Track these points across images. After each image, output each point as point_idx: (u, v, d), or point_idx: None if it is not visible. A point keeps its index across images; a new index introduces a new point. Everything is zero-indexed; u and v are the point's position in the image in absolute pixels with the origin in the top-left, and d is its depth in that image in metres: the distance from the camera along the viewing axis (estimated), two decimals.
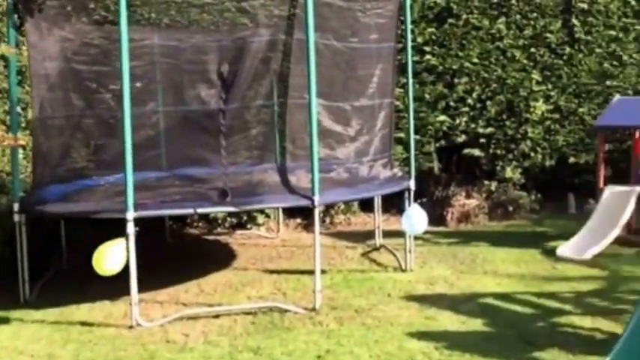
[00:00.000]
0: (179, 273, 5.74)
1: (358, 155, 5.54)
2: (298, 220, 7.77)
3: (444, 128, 8.10)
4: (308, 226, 7.71)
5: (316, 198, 4.81)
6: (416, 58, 7.76)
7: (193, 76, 5.84)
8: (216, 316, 4.71)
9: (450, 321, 4.52)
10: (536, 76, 8.13)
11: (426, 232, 7.13)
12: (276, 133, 5.46)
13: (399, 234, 5.96)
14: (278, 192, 5.03)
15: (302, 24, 4.76)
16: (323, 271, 5.76)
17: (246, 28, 5.61)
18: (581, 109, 8.38)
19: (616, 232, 6.22)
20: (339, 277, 5.70)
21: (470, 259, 6.23)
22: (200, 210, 4.92)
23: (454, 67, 7.92)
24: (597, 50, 8.31)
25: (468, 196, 7.96)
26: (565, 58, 8.26)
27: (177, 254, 6.72)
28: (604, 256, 6.04)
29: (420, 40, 7.79)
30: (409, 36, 5.73)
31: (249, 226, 7.61)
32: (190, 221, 7.70)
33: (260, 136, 5.21)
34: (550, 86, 8.27)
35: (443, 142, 8.19)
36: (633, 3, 8.30)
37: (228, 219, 7.56)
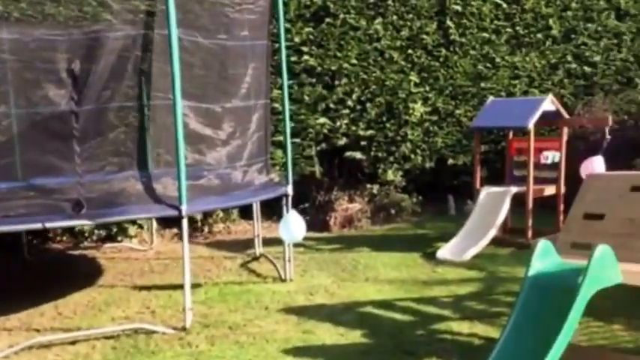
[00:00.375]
0: (35, 294, 5.16)
1: (231, 160, 5.19)
2: (175, 230, 7.33)
3: (325, 131, 7.90)
4: None
5: (184, 207, 4.45)
6: (294, 59, 7.53)
7: (48, 75, 5.24)
8: (73, 343, 4.22)
9: (328, 334, 4.29)
10: (414, 77, 8.13)
11: (308, 239, 6.95)
12: (139, 138, 4.99)
13: (281, 242, 5.69)
14: (141, 202, 4.58)
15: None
16: (198, 285, 5.43)
17: (104, 23, 5.10)
18: (457, 111, 8.50)
19: (493, 232, 6.28)
20: (214, 291, 5.35)
21: (352, 265, 6.07)
22: (49, 224, 4.38)
23: (333, 68, 7.74)
24: (471, 52, 8.45)
25: (351, 200, 7.84)
26: (441, 59, 8.32)
27: (36, 273, 6.08)
28: (482, 257, 6.08)
29: (297, 39, 7.54)
30: (282, 34, 5.45)
31: (119, 238, 7.06)
32: (53, 235, 7.05)
33: (120, 141, 4.71)
34: (428, 88, 8.31)
35: (324, 145, 7.99)
36: (504, 6, 8.52)
37: (96, 231, 6.98)
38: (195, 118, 4.92)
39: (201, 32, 4.97)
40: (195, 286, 5.41)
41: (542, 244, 3.59)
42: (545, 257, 3.58)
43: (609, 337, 4.06)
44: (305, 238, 6.74)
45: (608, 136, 6.20)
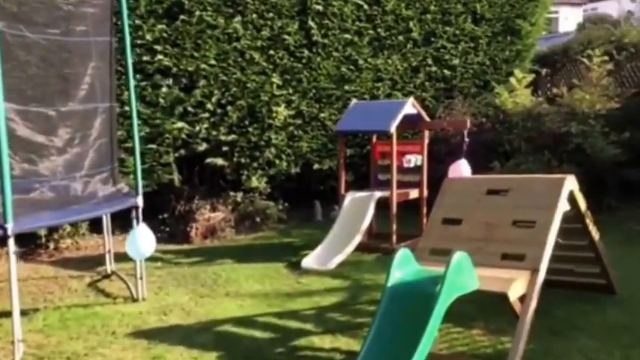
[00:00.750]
0: None
1: (69, 170, 4.65)
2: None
3: (183, 136, 7.40)
4: (26, 255, 6.59)
5: (9, 225, 3.92)
6: (147, 58, 7.00)
7: None
8: None
9: (180, 358, 3.93)
10: (276, 79, 7.84)
11: (166, 252, 6.51)
12: None
13: None
14: None
15: None
16: (37, 310, 4.85)
17: None
18: (322, 114, 8.33)
19: (358, 238, 6.15)
20: (54, 317, 4.77)
21: (212, 279, 5.70)
22: None
23: (190, 68, 7.25)
24: (334, 54, 8.30)
25: (214, 209, 7.44)
26: (304, 61, 8.09)
27: None
28: (347, 265, 5.93)
29: (149, 37, 6.97)
30: (127, 30, 4.97)
31: None
32: None
33: None
34: (291, 90, 8.04)
35: (183, 151, 7.49)
36: (366, 7, 8.44)
37: None
38: (23, 123, 4.36)
39: (30, 26, 4.41)
40: (33, 311, 4.84)
41: (401, 253, 3.47)
42: (404, 265, 3.47)
43: (469, 343, 4.00)
44: (163, 252, 6.31)
45: (466, 139, 6.29)
